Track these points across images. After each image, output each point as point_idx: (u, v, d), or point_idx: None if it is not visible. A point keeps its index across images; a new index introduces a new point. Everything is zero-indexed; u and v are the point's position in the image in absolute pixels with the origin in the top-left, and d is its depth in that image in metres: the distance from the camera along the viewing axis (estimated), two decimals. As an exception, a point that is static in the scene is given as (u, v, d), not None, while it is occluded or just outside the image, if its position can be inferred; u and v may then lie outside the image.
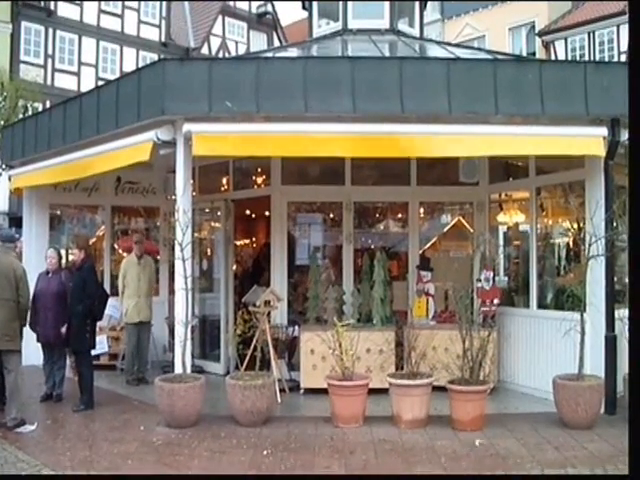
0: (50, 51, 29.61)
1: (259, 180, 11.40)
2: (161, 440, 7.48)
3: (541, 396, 8.99)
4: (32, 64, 28.68)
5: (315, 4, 12.64)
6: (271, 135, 8.10)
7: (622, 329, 8.30)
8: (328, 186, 10.76)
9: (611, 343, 8.31)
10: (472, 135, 8.10)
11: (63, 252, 11.27)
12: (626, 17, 26.76)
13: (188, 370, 8.27)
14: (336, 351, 8.19)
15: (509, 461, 6.69)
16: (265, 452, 7.02)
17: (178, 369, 8.25)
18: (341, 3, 12.05)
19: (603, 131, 8.15)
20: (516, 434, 7.63)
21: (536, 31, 30.13)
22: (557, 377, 8.03)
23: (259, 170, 11.27)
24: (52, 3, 29.46)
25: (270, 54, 10.99)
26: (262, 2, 36.78)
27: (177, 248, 8.16)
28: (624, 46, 27.35)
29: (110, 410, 8.86)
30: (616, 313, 8.43)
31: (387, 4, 12.03)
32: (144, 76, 8.62)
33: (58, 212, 12.86)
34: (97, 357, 10.74)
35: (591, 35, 28.56)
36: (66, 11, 29.96)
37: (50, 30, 29.52)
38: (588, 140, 8.16)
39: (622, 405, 8.11)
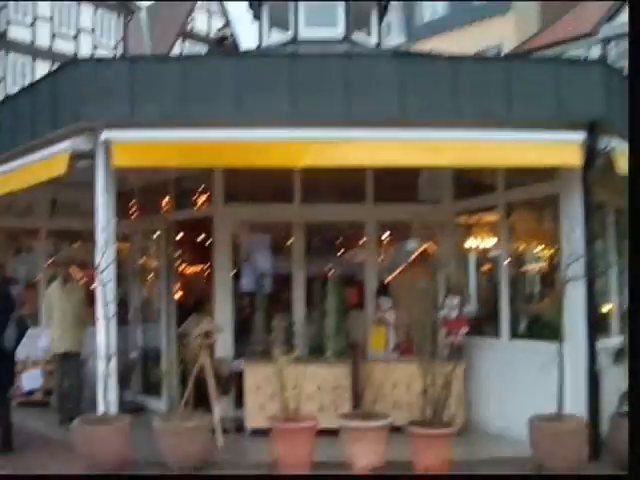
0: (1, 74, 28.56)
1: (201, 200, 10.28)
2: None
3: (515, 438, 7.82)
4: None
5: (265, 11, 11.66)
6: (200, 143, 7.09)
7: (606, 362, 7.34)
8: (275, 204, 9.74)
9: (593, 379, 7.26)
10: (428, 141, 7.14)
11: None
12: (596, 37, 26.37)
13: (113, 409, 7.24)
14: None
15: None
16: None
17: (102, 408, 7.19)
18: (292, 9, 11.06)
19: (579, 137, 7.16)
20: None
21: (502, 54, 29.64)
22: (534, 417, 6.99)
23: (201, 188, 10.16)
24: (3, 25, 28.45)
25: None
26: (221, 26, 35.99)
27: (97, 271, 7.19)
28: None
29: (31, 454, 7.83)
30: (599, 344, 7.43)
31: (342, 11, 11.04)
32: (58, 79, 7.74)
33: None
34: (30, 393, 10.04)
35: (560, 57, 28.08)
36: (18, 33, 28.96)
37: (2, 53, 28.49)
38: (562, 147, 7.19)
39: (605, 450, 7.14)
